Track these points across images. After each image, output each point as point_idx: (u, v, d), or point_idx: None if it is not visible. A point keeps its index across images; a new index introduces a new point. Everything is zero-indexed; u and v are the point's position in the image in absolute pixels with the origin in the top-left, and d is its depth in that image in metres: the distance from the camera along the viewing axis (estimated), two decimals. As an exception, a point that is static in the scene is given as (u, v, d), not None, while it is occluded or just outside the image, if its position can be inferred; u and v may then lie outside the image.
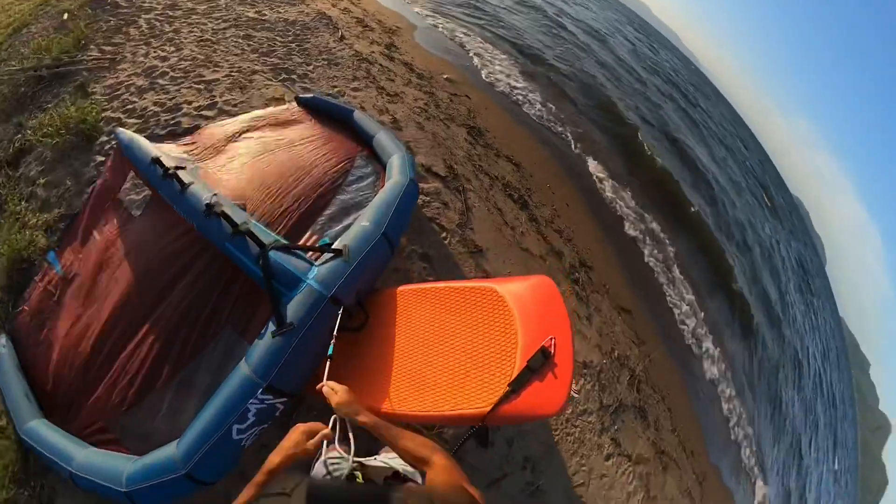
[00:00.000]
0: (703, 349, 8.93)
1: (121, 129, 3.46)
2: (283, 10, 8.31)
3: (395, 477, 1.37)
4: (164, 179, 2.75)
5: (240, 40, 6.61)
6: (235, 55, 6.19)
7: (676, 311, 8.60)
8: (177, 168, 2.79)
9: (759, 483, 9.43)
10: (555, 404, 1.87)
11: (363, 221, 2.67)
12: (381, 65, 7.18)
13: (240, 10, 7.67)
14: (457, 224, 4.75)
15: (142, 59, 5.51)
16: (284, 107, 4.44)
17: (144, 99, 4.92)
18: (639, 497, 4.85)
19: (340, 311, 2.22)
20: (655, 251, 8.87)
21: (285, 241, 2.49)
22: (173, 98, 4.98)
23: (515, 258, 5.03)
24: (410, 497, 0.79)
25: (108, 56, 5.47)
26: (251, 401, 2.00)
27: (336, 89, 6.03)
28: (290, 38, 7.15)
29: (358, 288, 2.47)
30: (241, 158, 3.32)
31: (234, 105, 5.05)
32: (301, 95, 4.42)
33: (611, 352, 5.61)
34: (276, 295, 2.20)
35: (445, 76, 8.01)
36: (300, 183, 3.09)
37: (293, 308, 2.18)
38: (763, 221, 21.02)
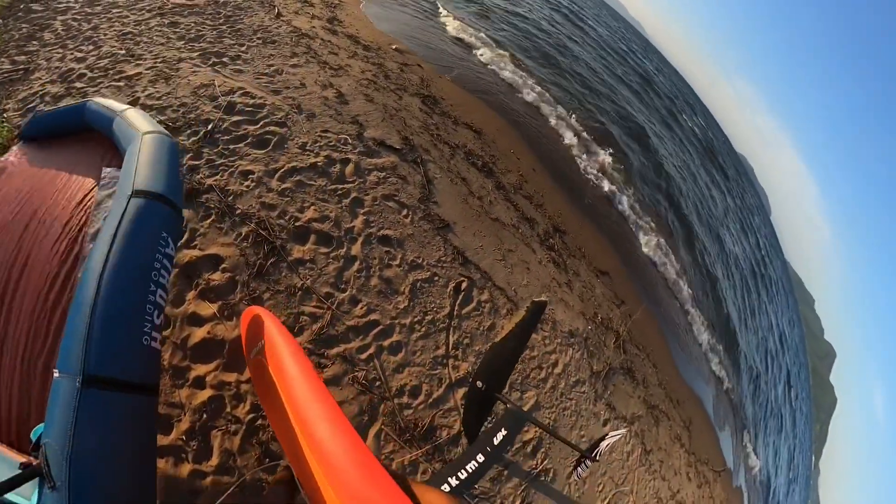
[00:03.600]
0: (687, 309, 8.83)
1: None
2: None
3: None
4: None
5: (165, 29, 5.81)
6: (160, 45, 5.43)
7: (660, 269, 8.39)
8: None
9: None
10: None
11: (55, 371, 1.32)
12: (322, 39, 6.36)
13: None
14: (418, 199, 4.12)
15: (57, 63, 4.82)
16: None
17: (59, 107, 4.22)
18: (637, 453, 4.84)
19: None
20: (626, 210, 8.53)
21: None
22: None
23: (486, 230, 4.47)
24: None
25: (21, 67, 4.72)
26: None
27: (273, 68, 5.26)
28: (220, 21, 6.33)
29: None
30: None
31: (158, 98, 4.36)
32: (25, 125, 2.77)
33: (594, 316, 5.27)
34: None
35: (394, 47, 7.22)
36: (26, 292, 1.76)
37: None
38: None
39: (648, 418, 5.43)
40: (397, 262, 3.53)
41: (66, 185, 2.20)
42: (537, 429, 3.68)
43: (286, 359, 1.78)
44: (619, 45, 28.98)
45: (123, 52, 5.14)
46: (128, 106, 2.34)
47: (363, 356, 2.94)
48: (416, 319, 3.34)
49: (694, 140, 25.07)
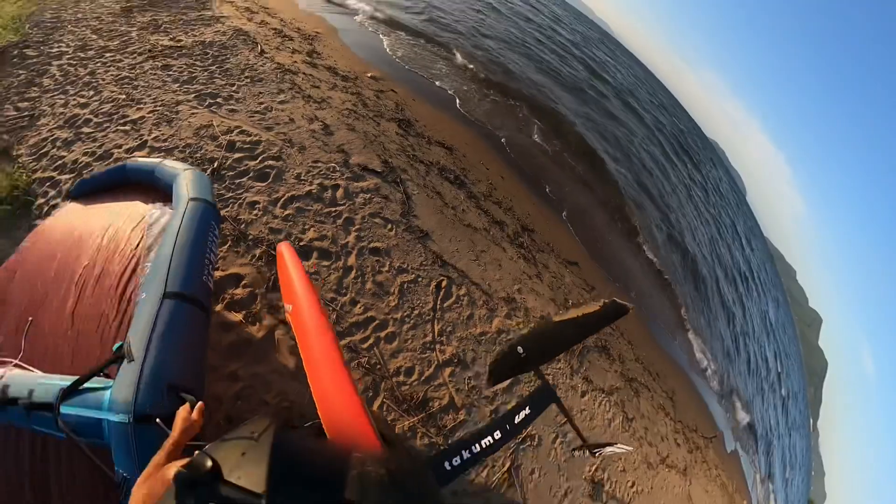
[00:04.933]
0: (671, 296, 9.42)
1: None
2: (198, 33, 7.78)
3: None
4: None
5: (159, 72, 6.14)
6: (157, 88, 5.75)
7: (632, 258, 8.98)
8: None
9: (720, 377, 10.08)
10: None
11: (142, 301, 1.95)
12: (304, 73, 6.96)
13: (154, 39, 7.11)
14: (400, 214, 4.77)
15: (61, 109, 5.07)
16: (54, 214, 3.14)
17: (73, 151, 4.49)
18: (618, 421, 5.25)
19: (159, 422, 1.60)
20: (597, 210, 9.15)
21: (69, 382, 1.76)
22: (102, 145, 4.55)
23: (460, 235, 5.12)
24: (368, 460, 0.72)
25: (26, 113, 4.92)
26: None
27: (263, 105, 5.78)
28: (209, 62, 6.73)
29: (167, 382, 1.73)
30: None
31: (164, 140, 4.74)
32: (72, 188, 3.28)
33: (565, 302, 5.86)
34: (91, 457, 1.64)
35: (370, 74, 7.86)
36: (103, 287, 2.34)
37: (116, 457, 1.62)
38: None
39: (627, 390, 5.86)
40: (386, 268, 4.19)
41: (121, 212, 2.77)
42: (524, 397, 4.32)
43: (308, 324, 2.07)
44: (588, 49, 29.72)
45: (124, 96, 5.41)
46: (161, 159, 3.01)
47: (365, 346, 3.60)
48: (405, 314, 4.00)
49: (665, 132, 25.87)
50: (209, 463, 0.52)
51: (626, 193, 11.46)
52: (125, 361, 1.72)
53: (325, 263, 4.00)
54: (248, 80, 6.43)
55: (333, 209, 4.44)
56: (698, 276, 12.71)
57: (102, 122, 4.96)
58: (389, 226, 4.58)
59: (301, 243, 4.01)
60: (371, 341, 3.65)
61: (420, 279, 4.32)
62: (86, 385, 1.73)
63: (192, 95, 5.75)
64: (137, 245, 2.45)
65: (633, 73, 42.62)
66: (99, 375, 1.77)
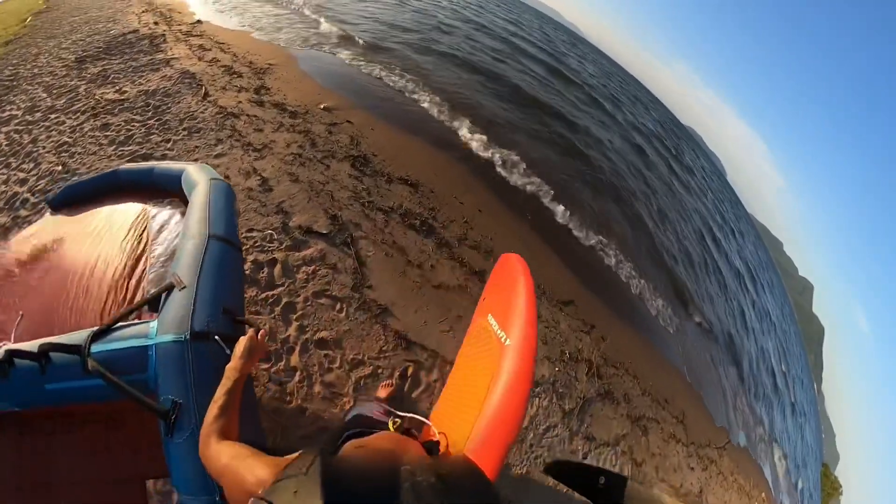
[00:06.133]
0: (654, 304, 8.69)
1: None
2: (144, 81, 7.34)
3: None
4: None
5: (97, 133, 5.86)
6: (92, 154, 5.45)
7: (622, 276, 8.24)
8: None
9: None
10: None
11: (183, 242, 2.00)
12: (248, 115, 6.20)
13: (100, 93, 6.92)
14: (351, 288, 3.90)
15: (2, 187, 4.91)
16: (30, 229, 2.81)
17: (9, 239, 4.20)
18: (627, 470, 4.67)
19: (218, 339, 1.58)
20: (583, 227, 8.37)
21: (99, 327, 1.64)
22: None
23: (429, 301, 4.23)
24: (417, 469, 0.68)
25: None
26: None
27: (199, 161, 5.07)
28: (149, 115, 6.27)
29: (222, 306, 1.74)
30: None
31: None
32: (51, 197, 2.90)
33: (561, 355, 5.02)
34: (131, 391, 1.44)
35: (322, 106, 7.05)
36: (103, 279, 2.25)
37: (164, 384, 1.51)
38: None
39: (635, 432, 5.22)
40: (337, 363, 3.35)
41: (117, 209, 2.65)
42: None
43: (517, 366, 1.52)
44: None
45: (60, 167, 5.13)
46: (155, 164, 2.83)
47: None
48: (363, 418, 3.21)
49: (641, 129, 25.38)
50: None
51: (602, 201, 10.68)
52: (175, 291, 1.70)
53: (264, 367, 3.20)
54: (186, 133, 5.82)
55: (271, 293, 3.60)
56: (683, 281, 11.83)
57: (37, 202, 4.69)
58: (339, 306, 3.74)
59: (231, 345, 3.22)
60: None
61: (380, 371, 3.46)
62: (118, 325, 1.63)
63: (127, 158, 5.34)
64: (142, 233, 2.42)
65: (605, 69, 42.20)
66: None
